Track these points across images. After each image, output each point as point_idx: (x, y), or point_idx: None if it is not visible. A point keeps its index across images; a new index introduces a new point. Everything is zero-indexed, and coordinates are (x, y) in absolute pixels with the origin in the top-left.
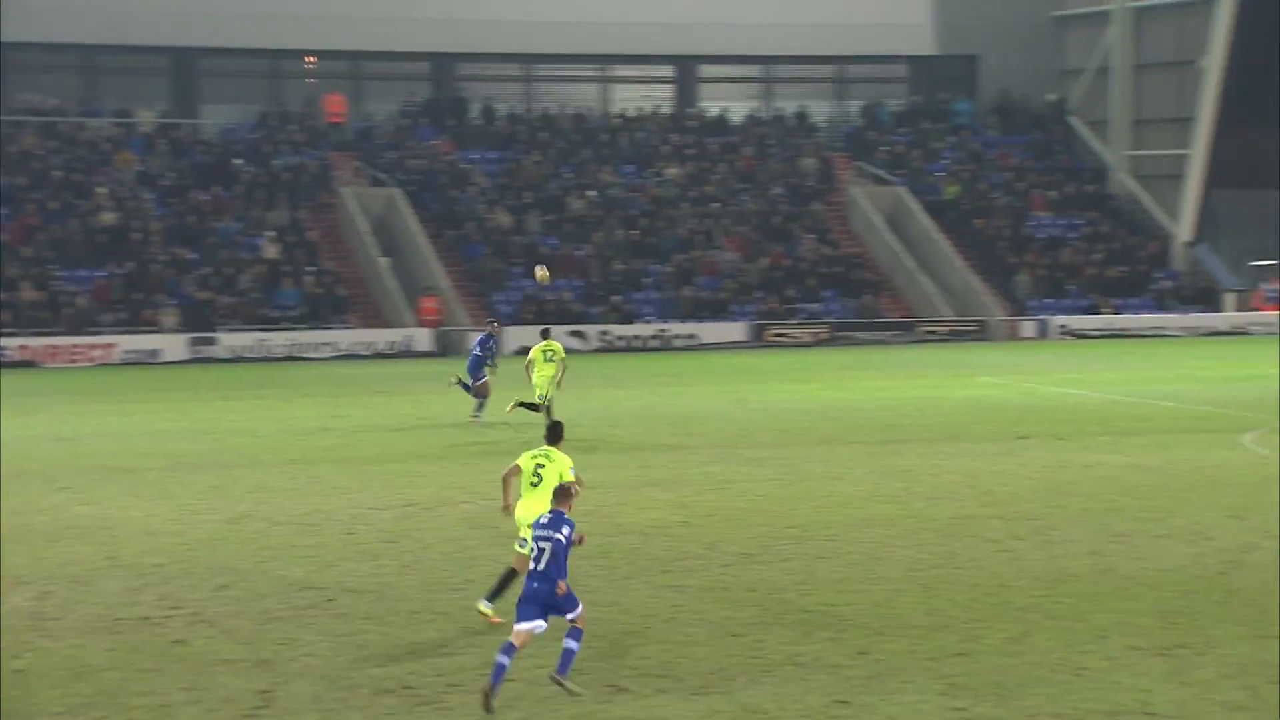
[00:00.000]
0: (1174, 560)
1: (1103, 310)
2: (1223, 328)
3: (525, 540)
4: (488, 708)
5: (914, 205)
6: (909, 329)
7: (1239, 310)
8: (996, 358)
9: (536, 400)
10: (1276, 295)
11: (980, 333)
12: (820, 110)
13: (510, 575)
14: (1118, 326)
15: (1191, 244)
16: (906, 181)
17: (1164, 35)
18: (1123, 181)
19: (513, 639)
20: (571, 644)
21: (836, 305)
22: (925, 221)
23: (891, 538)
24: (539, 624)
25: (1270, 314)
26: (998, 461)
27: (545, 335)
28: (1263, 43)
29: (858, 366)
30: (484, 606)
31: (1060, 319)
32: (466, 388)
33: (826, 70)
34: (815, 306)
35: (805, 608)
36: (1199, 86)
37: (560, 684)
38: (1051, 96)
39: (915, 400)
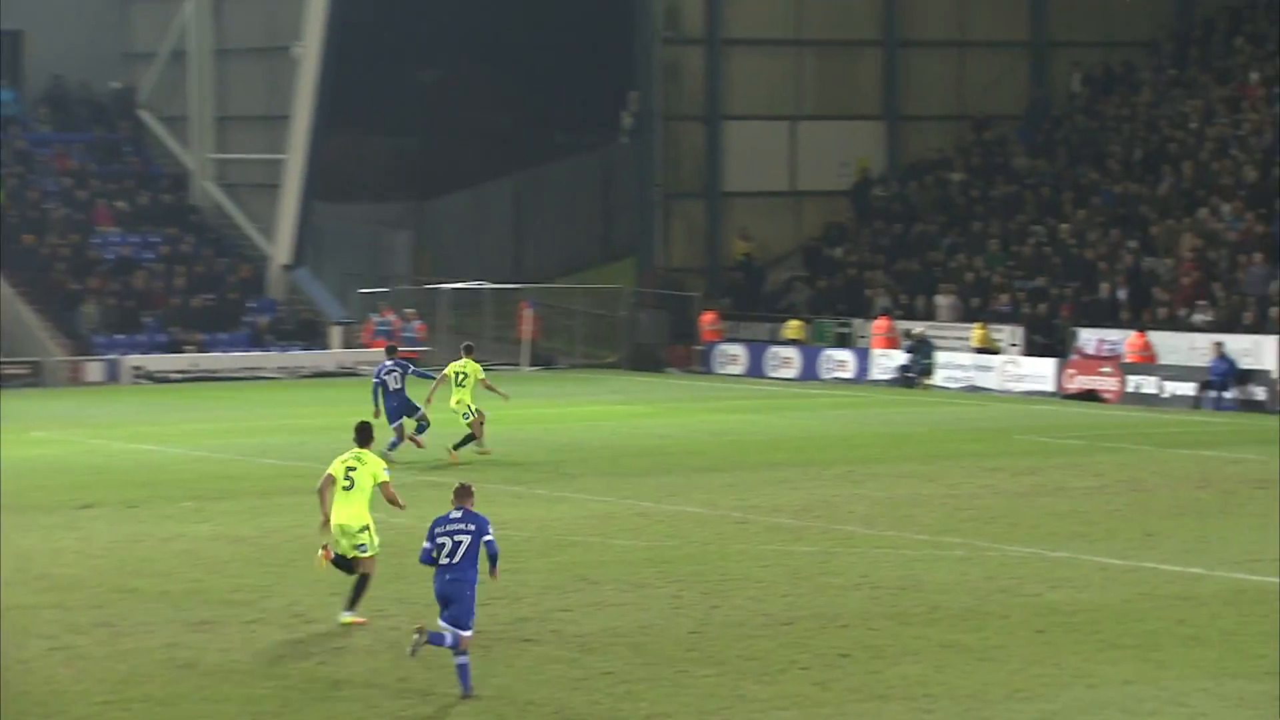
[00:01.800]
0: (268, 648)
1: (186, 348)
2: (329, 367)
3: (343, 543)
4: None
5: None
6: None
7: (347, 347)
8: (54, 408)
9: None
10: (389, 328)
11: (33, 377)
12: None
13: (364, 580)
14: (205, 367)
15: (290, 267)
16: None
17: (252, 15)
18: (208, 191)
19: (437, 635)
20: (463, 659)
21: None
22: None
23: None
24: (463, 631)
25: (382, 350)
26: (55, 537)
27: (468, 352)
28: (365, 31)
29: None
30: (346, 617)
31: (134, 359)
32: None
33: None
34: None
35: None
36: (293, 79)
37: (469, 694)
38: (116, 85)
39: None
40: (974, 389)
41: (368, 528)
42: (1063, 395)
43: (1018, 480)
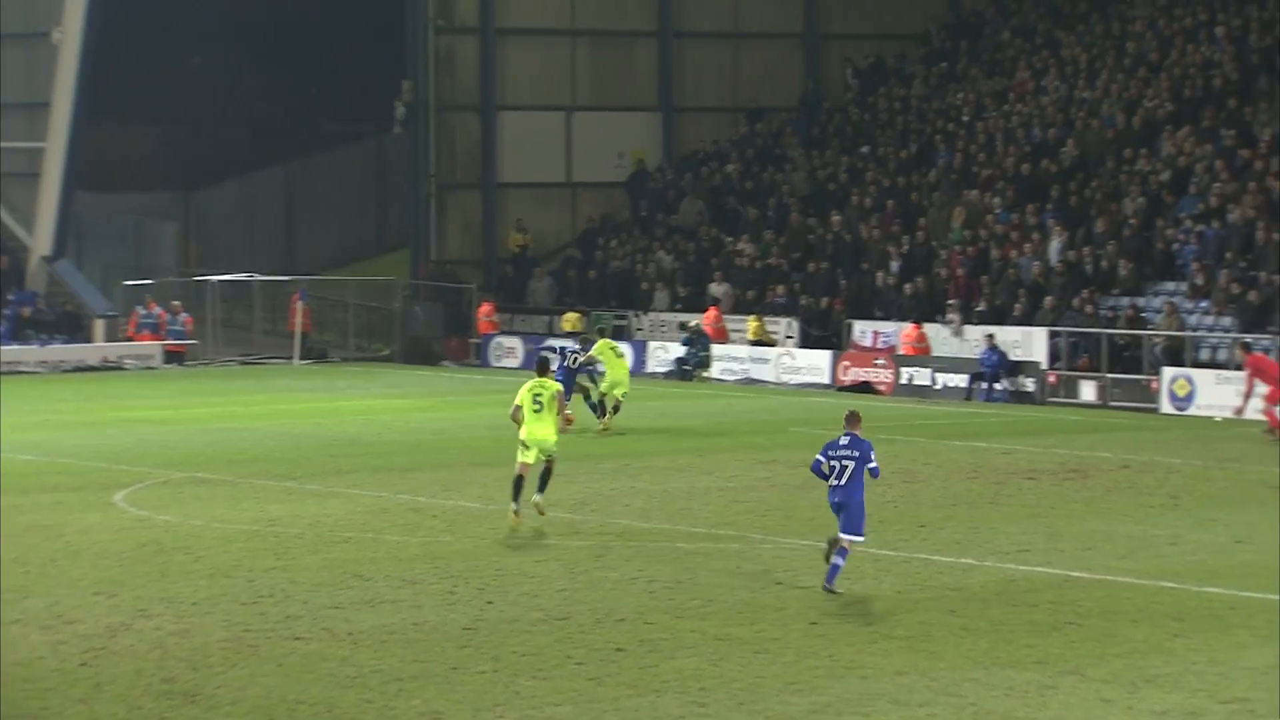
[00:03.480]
0: (28, 651)
1: None
2: (93, 361)
3: (529, 446)
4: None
5: None
6: None
7: (112, 340)
8: None
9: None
10: (154, 322)
11: None
12: None
13: (550, 470)
14: None
15: (51, 259)
16: None
17: None
18: None
19: (843, 544)
20: (839, 560)
21: None
22: None
23: None
24: (855, 536)
25: (148, 344)
26: None
27: (604, 334)
28: (128, 15)
29: None
30: (538, 498)
31: None
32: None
33: None
34: None
35: None
36: (53, 65)
37: (831, 591)
38: None
39: None
40: (750, 381)
41: (555, 440)
42: (838, 387)
43: (794, 473)
